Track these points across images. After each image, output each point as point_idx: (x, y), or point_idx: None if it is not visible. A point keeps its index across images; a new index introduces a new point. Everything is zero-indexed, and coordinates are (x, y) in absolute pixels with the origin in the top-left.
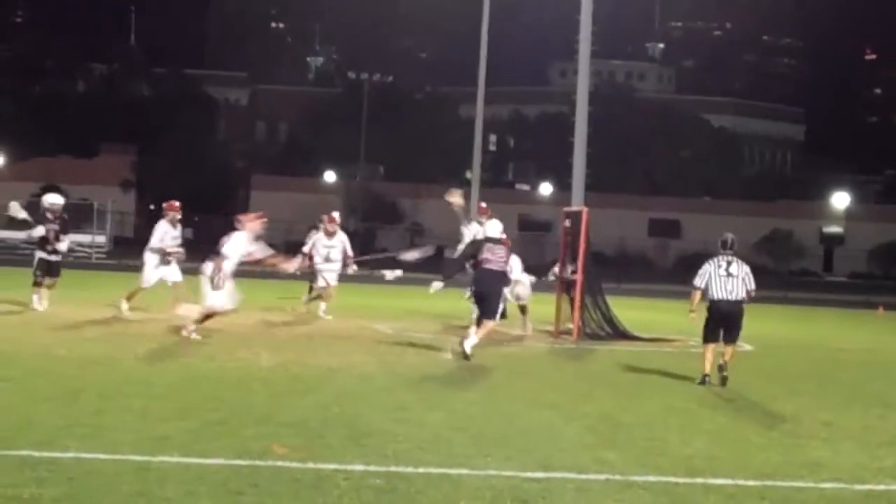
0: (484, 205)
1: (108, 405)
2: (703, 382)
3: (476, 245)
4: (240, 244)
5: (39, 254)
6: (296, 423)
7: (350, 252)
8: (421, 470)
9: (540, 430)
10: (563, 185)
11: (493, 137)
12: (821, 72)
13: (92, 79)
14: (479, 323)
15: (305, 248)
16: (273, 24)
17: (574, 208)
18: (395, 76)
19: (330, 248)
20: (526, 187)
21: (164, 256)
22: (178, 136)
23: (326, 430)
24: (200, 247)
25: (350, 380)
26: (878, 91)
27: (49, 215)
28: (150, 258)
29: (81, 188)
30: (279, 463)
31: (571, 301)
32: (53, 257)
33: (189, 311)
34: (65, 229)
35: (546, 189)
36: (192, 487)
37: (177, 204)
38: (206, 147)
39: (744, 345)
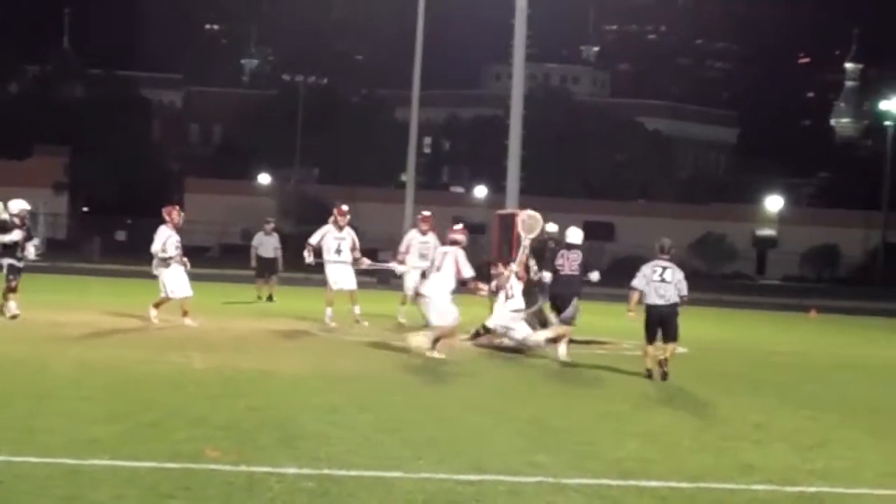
0: (427, 213)
1: (40, 408)
2: (648, 376)
3: (553, 252)
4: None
5: (8, 260)
6: (228, 425)
7: (358, 246)
8: (353, 473)
9: (472, 433)
10: (498, 188)
11: (427, 140)
12: (755, 75)
13: (25, 80)
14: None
15: (313, 240)
16: (208, 26)
17: (508, 211)
18: (330, 79)
19: (340, 240)
20: (460, 190)
21: (166, 262)
22: (112, 137)
23: (259, 433)
24: (134, 250)
25: (282, 382)
26: (811, 94)
27: (17, 220)
28: (160, 267)
29: (13, 190)
30: (211, 466)
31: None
32: (20, 263)
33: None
34: (30, 235)
35: (481, 192)
36: (123, 490)
37: (177, 207)
38: (140, 149)
39: (678, 347)
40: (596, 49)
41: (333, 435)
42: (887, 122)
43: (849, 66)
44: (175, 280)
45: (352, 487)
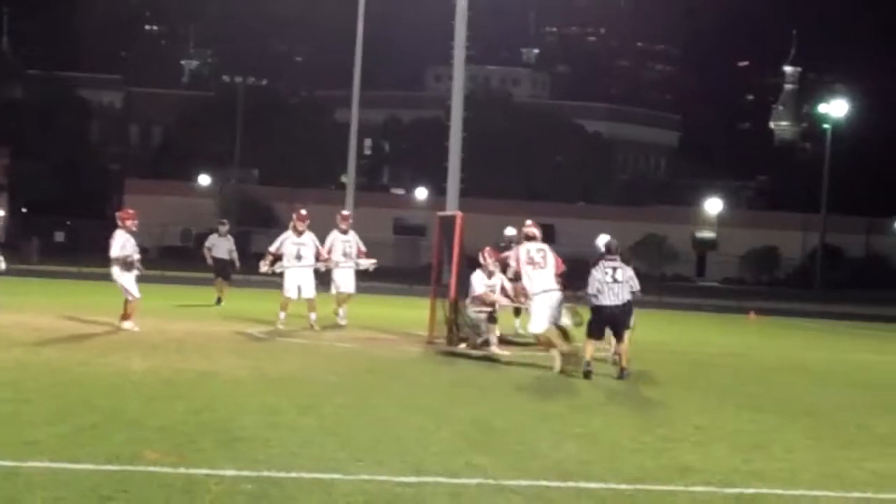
0: (346, 213)
1: None
2: (587, 372)
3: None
4: (120, 240)
5: None
6: (167, 427)
7: (322, 249)
8: (293, 475)
9: (412, 435)
10: (439, 190)
11: (368, 142)
12: (695, 78)
13: None
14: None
15: (272, 248)
16: (147, 27)
17: (448, 213)
18: (270, 80)
19: (300, 245)
20: (401, 191)
21: (128, 266)
22: (52, 138)
23: (198, 435)
24: (73, 251)
25: (222, 384)
26: (750, 97)
27: None
28: (119, 272)
29: None
30: (150, 468)
31: (445, 305)
32: None
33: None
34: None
35: (421, 193)
36: (61, 493)
37: (132, 211)
38: (79, 150)
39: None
40: (536, 51)
41: (273, 437)
42: (826, 125)
43: (788, 69)
44: (134, 283)
45: (291, 490)
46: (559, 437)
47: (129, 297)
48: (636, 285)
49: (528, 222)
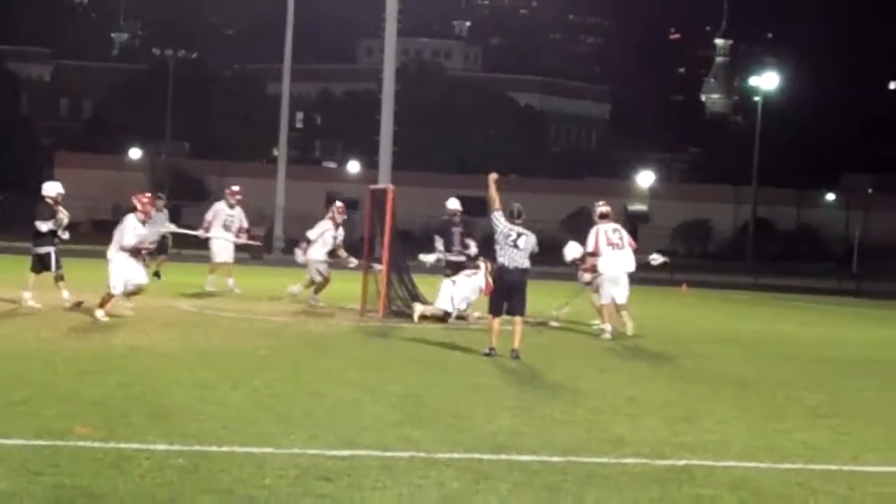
0: (236, 188)
1: None
2: (488, 354)
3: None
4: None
5: None
6: (98, 402)
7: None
8: (225, 449)
9: (345, 409)
10: (371, 163)
11: (299, 115)
12: (626, 51)
13: None
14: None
15: (208, 216)
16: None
17: (380, 186)
18: (201, 53)
19: (230, 217)
20: (333, 165)
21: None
22: None
23: (129, 409)
24: (4, 224)
25: (153, 358)
26: (682, 70)
27: None
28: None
29: None
30: (80, 443)
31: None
32: None
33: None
34: None
35: (354, 167)
36: None
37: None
38: (8, 124)
39: (552, 322)
40: (468, 24)
41: (204, 411)
42: (756, 98)
43: (718, 41)
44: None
45: (223, 463)
46: (492, 409)
47: (112, 288)
48: (536, 249)
49: (601, 202)
